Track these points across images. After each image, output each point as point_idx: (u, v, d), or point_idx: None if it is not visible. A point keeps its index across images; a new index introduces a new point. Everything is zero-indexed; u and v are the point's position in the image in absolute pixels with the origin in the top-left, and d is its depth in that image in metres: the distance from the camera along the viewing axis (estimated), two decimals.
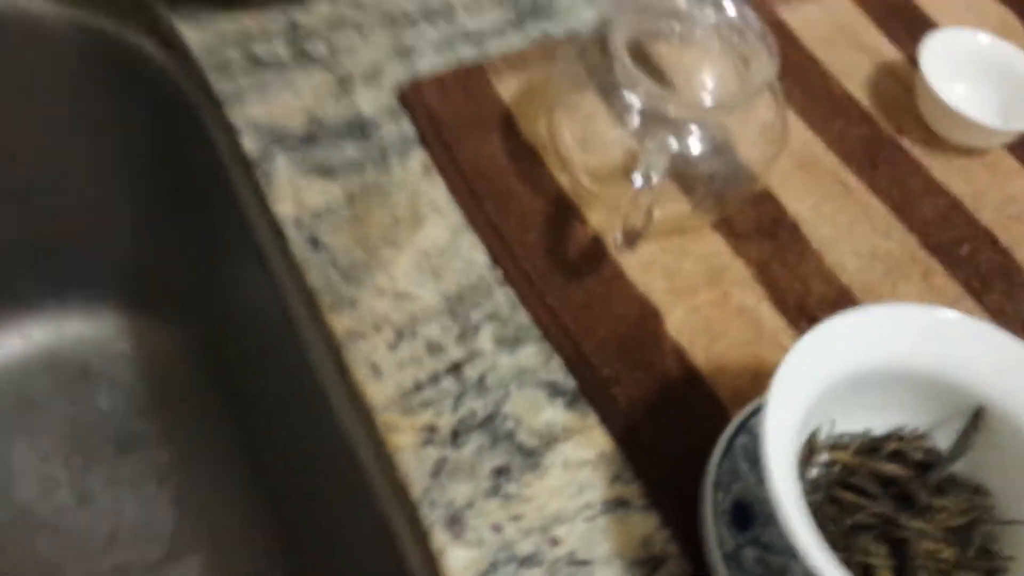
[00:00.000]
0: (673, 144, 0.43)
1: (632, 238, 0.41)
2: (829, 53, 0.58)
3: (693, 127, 0.45)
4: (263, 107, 0.48)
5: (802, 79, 0.55)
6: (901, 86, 0.56)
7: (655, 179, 0.40)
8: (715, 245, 0.47)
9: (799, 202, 0.49)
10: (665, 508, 0.39)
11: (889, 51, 0.59)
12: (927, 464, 0.38)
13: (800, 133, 0.53)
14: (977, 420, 0.37)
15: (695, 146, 0.45)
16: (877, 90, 0.56)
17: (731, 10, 0.46)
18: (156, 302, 0.70)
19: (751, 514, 0.38)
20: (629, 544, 0.38)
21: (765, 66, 0.44)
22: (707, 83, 0.47)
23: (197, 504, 0.68)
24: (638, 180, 0.41)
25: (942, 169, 0.53)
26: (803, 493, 0.36)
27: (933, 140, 0.54)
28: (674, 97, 0.44)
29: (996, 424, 0.36)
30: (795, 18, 0.59)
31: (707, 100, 0.46)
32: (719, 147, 0.47)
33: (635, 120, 0.45)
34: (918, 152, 0.53)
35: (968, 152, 0.54)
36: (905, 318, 0.37)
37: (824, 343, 0.35)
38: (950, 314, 0.36)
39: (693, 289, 0.45)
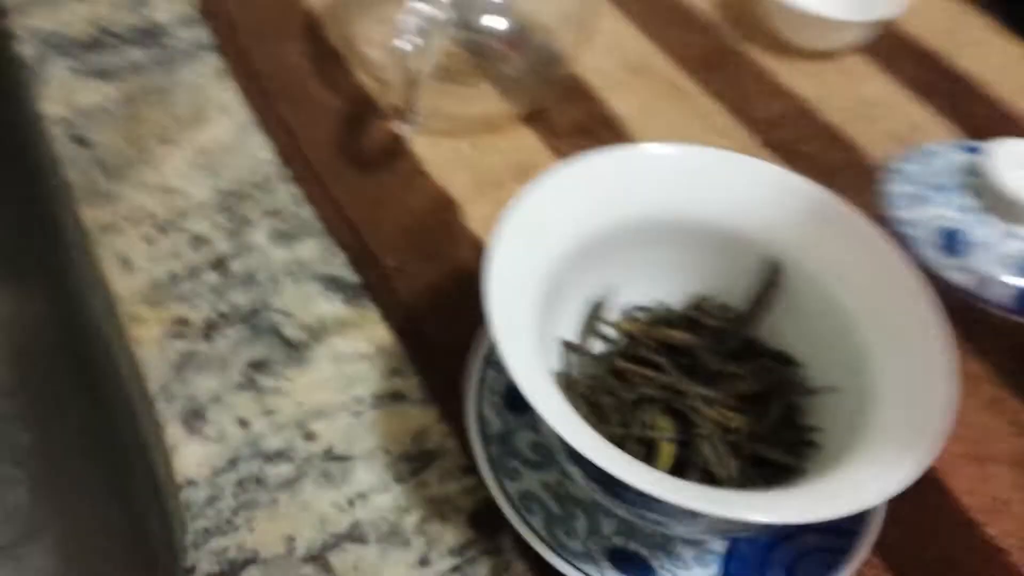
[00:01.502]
0: (442, 13, 0.39)
1: (404, 111, 0.38)
2: None
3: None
4: (49, 17, 0.45)
5: None
6: None
7: (418, 43, 0.37)
8: (528, 141, 0.44)
9: (626, 103, 0.46)
10: (445, 403, 0.35)
11: None
12: (724, 331, 0.34)
13: (635, 42, 0.50)
14: (774, 278, 0.33)
15: (497, 23, 0.42)
16: (722, 1, 0.54)
17: None
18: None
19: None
20: (399, 439, 0.33)
21: None
22: None
23: (53, 484, 0.63)
24: (402, 44, 0.37)
25: (788, 73, 0.50)
26: (567, 363, 0.32)
27: (780, 47, 0.51)
28: None
29: (797, 283, 0.33)
30: None
31: None
32: (520, 33, 0.44)
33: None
34: (763, 58, 0.50)
35: (820, 56, 0.51)
36: (676, 159, 0.33)
37: (571, 188, 0.31)
38: (733, 156, 0.33)
39: (499, 183, 0.42)
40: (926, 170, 0.45)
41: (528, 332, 0.28)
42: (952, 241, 0.41)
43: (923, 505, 0.34)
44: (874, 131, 0.47)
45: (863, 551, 0.31)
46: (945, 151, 0.46)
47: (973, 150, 0.45)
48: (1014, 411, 0.36)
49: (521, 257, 0.29)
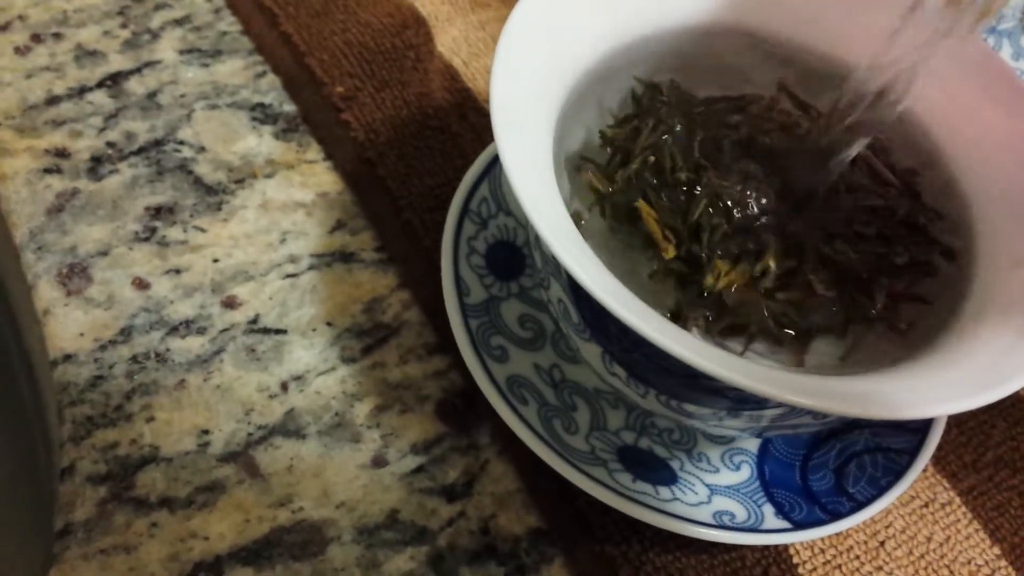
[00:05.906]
0: None
1: None
2: None
3: None
4: None
5: None
6: None
7: None
8: None
9: None
10: (406, 264, 0.27)
11: None
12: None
13: None
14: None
15: None
16: None
17: None
18: None
19: (516, 259, 0.26)
20: (346, 309, 0.26)
21: None
22: None
23: None
24: None
25: None
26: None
27: None
28: None
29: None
30: None
31: None
32: None
33: None
34: None
35: None
36: None
37: None
38: None
39: (483, 2, 0.33)
40: None
41: (543, 168, 0.20)
42: None
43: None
44: None
45: (928, 454, 0.25)
46: None
47: None
48: None
49: (536, 68, 0.21)
